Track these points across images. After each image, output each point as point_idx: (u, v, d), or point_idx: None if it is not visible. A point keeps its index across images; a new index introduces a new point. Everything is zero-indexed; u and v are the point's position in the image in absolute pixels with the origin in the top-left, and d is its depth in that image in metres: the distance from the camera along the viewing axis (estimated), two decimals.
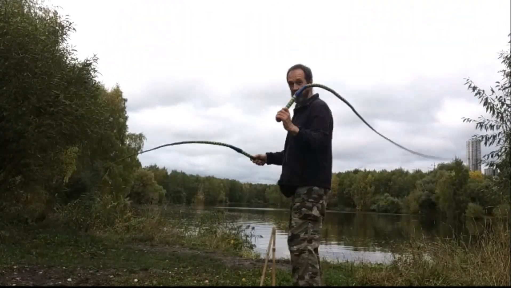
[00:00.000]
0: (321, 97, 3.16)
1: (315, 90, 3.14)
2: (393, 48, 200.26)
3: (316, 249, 2.88)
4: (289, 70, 3.16)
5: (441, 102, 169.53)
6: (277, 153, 3.39)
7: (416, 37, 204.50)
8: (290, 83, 3.13)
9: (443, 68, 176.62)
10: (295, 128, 2.83)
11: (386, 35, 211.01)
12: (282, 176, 3.16)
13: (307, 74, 3.14)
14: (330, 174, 3.09)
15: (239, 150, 3.40)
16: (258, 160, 3.40)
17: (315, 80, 3.16)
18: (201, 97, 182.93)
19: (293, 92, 3.11)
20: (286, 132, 3.06)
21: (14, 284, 3.74)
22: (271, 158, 3.41)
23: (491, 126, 6.98)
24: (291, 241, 2.88)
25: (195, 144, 3.56)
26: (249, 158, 3.41)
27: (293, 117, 3.12)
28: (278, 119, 2.79)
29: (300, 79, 3.10)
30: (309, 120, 2.98)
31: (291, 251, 2.86)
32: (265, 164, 3.44)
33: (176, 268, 4.81)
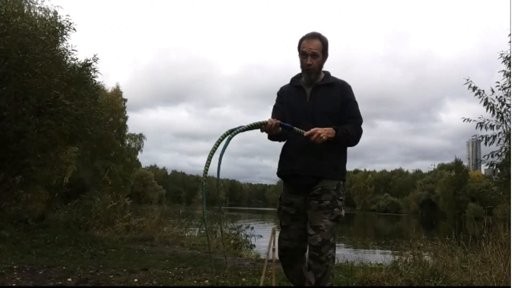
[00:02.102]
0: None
1: (329, 67, 2.73)
2: (394, 48, 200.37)
3: None
4: (304, 38, 2.60)
5: (442, 102, 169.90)
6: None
7: (417, 36, 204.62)
8: (304, 54, 2.58)
9: (444, 67, 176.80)
10: (332, 130, 2.46)
11: (387, 35, 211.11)
12: (299, 164, 2.56)
13: (325, 47, 2.62)
14: None
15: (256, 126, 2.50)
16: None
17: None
18: (202, 97, 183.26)
19: (304, 64, 2.61)
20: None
21: (14, 284, 3.73)
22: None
23: (491, 126, 6.98)
24: (322, 248, 2.44)
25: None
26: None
27: (311, 94, 2.65)
28: (321, 138, 2.39)
29: (316, 53, 2.58)
30: (343, 102, 2.60)
31: (320, 260, 2.44)
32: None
33: (176, 268, 4.80)
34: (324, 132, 2.43)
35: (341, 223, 2.61)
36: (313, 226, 2.51)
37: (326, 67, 2.75)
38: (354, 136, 2.58)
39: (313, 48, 2.57)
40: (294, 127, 2.48)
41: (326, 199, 2.52)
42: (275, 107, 2.81)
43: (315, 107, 2.62)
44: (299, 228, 2.64)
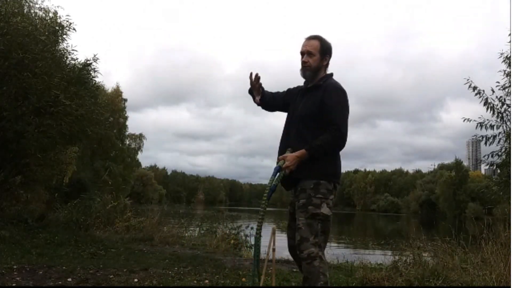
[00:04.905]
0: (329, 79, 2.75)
1: (329, 69, 2.81)
2: (396, 48, 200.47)
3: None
4: (305, 39, 2.77)
5: (444, 102, 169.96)
6: (267, 95, 2.97)
7: (418, 36, 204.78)
8: (301, 54, 2.74)
9: (446, 67, 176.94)
10: (302, 153, 2.54)
11: (388, 34, 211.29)
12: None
13: (324, 48, 2.72)
14: (340, 166, 2.72)
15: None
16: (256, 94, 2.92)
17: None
18: (203, 97, 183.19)
19: (301, 64, 2.74)
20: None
21: (14, 284, 3.73)
22: (263, 98, 2.96)
23: (491, 126, 6.97)
24: (300, 245, 2.52)
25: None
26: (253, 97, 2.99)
27: (302, 97, 2.79)
28: (290, 170, 2.55)
29: (311, 51, 2.70)
30: (323, 105, 2.61)
31: (301, 258, 2.52)
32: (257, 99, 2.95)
33: (176, 268, 4.80)
34: (290, 164, 2.55)
35: (326, 221, 2.57)
36: (289, 224, 2.73)
37: (330, 67, 2.82)
38: (330, 145, 2.57)
39: (309, 47, 2.71)
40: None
41: (302, 198, 2.59)
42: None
43: (298, 110, 2.75)
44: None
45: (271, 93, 3.03)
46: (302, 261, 2.54)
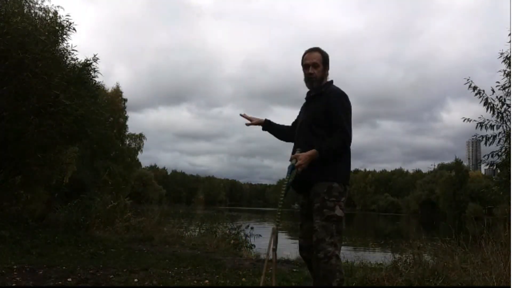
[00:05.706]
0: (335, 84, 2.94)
1: (329, 77, 2.96)
2: (396, 48, 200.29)
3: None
4: (306, 52, 2.93)
5: (444, 102, 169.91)
6: (279, 125, 3.23)
7: (419, 36, 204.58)
8: (306, 66, 2.90)
9: (447, 67, 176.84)
10: (314, 152, 2.67)
11: (388, 34, 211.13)
12: None
13: (325, 59, 2.92)
14: (349, 169, 2.88)
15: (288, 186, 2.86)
16: (252, 123, 3.24)
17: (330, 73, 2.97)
18: (203, 97, 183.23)
19: (306, 75, 2.90)
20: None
21: (14, 284, 3.73)
22: (269, 125, 3.23)
23: (491, 126, 6.96)
24: (317, 246, 2.64)
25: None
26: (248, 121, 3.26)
27: (306, 105, 2.98)
28: (302, 169, 2.67)
29: (317, 63, 2.88)
30: (328, 111, 2.76)
31: (318, 258, 2.62)
32: (255, 127, 3.23)
33: (176, 268, 4.80)
34: (303, 162, 2.67)
35: (340, 222, 2.73)
36: (300, 225, 2.90)
37: (331, 68, 2.96)
38: (338, 145, 2.74)
39: (314, 59, 2.88)
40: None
41: (316, 202, 2.73)
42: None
43: (304, 117, 2.94)
44: (311, 227, 2.80)
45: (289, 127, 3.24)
46: (319, 260, 2.64)
